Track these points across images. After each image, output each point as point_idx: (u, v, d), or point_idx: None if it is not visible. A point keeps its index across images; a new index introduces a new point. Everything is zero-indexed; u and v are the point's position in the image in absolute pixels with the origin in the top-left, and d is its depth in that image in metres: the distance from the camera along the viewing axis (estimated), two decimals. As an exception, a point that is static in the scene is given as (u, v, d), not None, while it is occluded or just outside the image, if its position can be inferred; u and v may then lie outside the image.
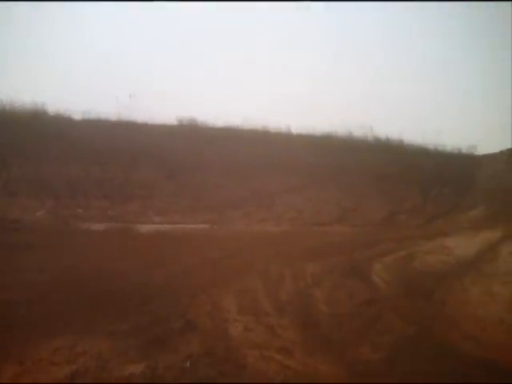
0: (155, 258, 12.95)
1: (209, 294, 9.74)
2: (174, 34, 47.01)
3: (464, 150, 32.24)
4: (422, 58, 48.33)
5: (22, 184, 19.99)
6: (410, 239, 17.31)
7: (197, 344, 7.23)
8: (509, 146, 30.22)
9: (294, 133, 31.95)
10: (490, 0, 40.69)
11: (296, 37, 48.52)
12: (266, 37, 48.56)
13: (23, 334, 7.20)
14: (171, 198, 21.52)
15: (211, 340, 7.46)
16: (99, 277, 10.73)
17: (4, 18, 38.05)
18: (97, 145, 24.04)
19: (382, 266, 13.10)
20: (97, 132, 25.81)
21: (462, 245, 15.93)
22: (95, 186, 21.45)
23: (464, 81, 44.76)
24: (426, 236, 17.85)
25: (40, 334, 7.19)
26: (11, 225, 15.32)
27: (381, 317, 9.16)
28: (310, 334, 8.04)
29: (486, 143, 31.59)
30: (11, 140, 22.39)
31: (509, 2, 37.08)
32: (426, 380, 6.55)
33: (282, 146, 28.04)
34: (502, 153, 30.60)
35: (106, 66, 37.87)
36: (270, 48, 46.30)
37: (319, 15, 49.47)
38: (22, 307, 8.39)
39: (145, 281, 10.58)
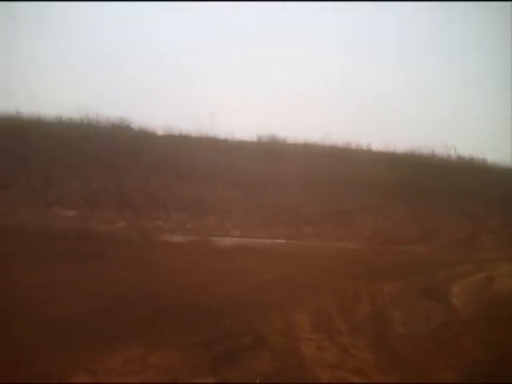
0: (231, 272, 12.95)
1: (282, 311, 9.66)
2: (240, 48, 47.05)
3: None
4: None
5: (103, 196, 20.36)
6: (490, 261, 16.92)
7: (268, 361, 7.18)
8: None
9: (375, 150, 31.78)
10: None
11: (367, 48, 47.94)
12: (333, 49, 48.18)
13: (94, 344, 7.26)
14: (249, 213, 21.56)
15: (283, 358, 7.39)
16: (174, 289, 10.78)
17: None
18: (178, 160, 24.42)
19: (460, 288, 12.82)
20: (178, 147, 26.26)
21: (546, 268, 15.51)
22: (175, 199, 21.68)
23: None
24: (508, 258, 17.43)
25: (111, 344, 7.25)
26: (89, 235, 15.55)
27: (458, 340, 8.95)
28: (385, 356, 7.90)
29: None
30: (94, 152, 22.93)
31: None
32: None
33: (361, 163, 27.90)
34: None
35: (185, 80, 38.43)
36: (344, 62, 45.99)
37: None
38: (93, 317, 8.49)
39: (219, 294, 10.57)
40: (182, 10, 44.50)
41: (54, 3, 35.76)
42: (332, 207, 23.14)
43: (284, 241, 18.83)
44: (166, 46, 42.42)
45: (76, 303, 9.24)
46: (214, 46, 46.15)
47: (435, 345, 8.66)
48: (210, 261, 14.36)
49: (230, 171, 24.45)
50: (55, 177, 21.21)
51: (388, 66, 45.24)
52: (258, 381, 6.54)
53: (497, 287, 13.43)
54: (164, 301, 9.84)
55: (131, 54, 40.02)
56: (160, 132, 28.87)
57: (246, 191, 23.45)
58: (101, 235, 16.05)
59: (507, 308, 11.25)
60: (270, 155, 27.43)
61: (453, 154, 31.37)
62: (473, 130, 36.41)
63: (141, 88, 36.75)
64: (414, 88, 43.36)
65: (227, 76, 43.51)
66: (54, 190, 20.26)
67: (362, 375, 7.02)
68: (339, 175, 25.65)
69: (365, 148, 31.78)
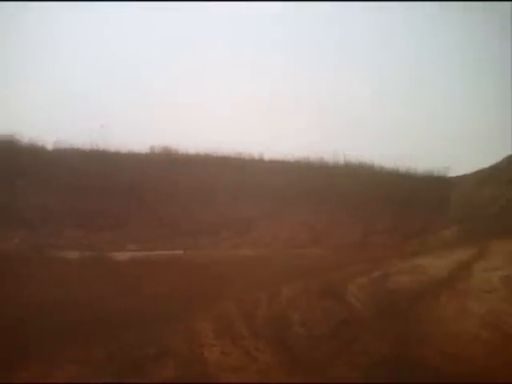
0: (130, 285, 12.85)
1: (184, 320, 9.67)
2: (138, 56, 46.80)
3: (436, 173, 32.48)
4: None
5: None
6: (383, 260, 17.34)
7: (172, 369, 7.18)
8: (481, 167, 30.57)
9: (267, 159, 32.09)
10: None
11: (262, 53, 48.45)
12: (229, 55, 48.55)
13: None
14: (144, 226, 21.44)
15: (187, 365, 7.41)
16: (73, 305, 10.60)
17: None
18: (69, 174, 23.96)
19: (356, 287, 13.08)
20: (69, 161, 25.75)
21: (436, 264, 15.92)
22: (68, 214, 21.32)
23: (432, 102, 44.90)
24: (400, 256, 17.90)
25: (15, 362, 7.09)
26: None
27: (357, 337, 9.15)
28: (286, 356, 8.01)
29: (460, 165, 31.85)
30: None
31: (509, 2, 37.34)
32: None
33: (254, 172, 28.11)
34: (474, 174, 30.88)
35: (75, 94, 37.81)
36: (238, 68, 46.30)
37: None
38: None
39: (119, 308, 10.47)
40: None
41: None
42: (228, 216, 23.25)
43: (181, 252, 18.80)
44: (56, 57, 41.79)
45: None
46: (105, 56, 45.75)
47: (335, 343, 8.82)
48: (107, 275, 14.17)
49: (124, 184, 24.19)
50: None
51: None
52: None
53: (391, 284, 13.76)
54: (64, 317, 9.66)
55: (19, 64, 39.05)
56: (50, 146, 28.23)
57: (141, 203, 23.29)
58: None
59: (403, 304, 11.53)
60: (164, 166, 27.31)
61: (341, 159, 32.05)
62: (362, 136, 37.45)
63: (30, 102, 35.98)
64: (307, 97, 44.07)
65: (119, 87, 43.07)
66: None
67: (266, 377, 7.10)
68: (234, 184, 25.77)
69: (257, 157, 32.03)
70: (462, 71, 46.65)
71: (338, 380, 7.18)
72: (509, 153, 29.06)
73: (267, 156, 32.06)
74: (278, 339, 8.84)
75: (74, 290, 12.05)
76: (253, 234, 22.04)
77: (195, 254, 18.55)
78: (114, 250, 18.39)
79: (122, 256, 17.46)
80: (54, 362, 7.23)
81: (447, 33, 47.17)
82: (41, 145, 27.72)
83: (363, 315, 10.80)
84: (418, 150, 33.90)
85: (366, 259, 17.42)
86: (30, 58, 40.82)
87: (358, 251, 20.22)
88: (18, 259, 15.19)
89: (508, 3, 37.70)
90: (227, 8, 46.05)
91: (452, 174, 32.36)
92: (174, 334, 8.85)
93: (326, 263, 16.88)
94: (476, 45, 45.98)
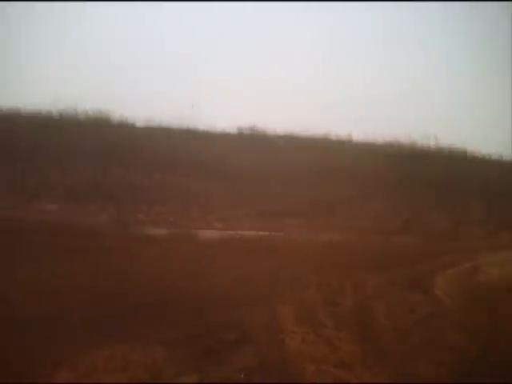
0: (214, 266, 12.84)
1: (266, 305, 9.57)
2: (224, 37, 46.92)
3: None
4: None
5: (84, 189, 20.20)
6: (474, 251, 16.95)
7: (252, 356, 7.08)
8: None
9: (355, 140, 31.74)
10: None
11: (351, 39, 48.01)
12: (313, 43, 48.18)
13: (76, 340, 7.13)
14: (231, 206, 21.47)
15: (267, 352, 7.31)
16: (157, 283, 10.66)
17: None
18: (158, 152, 24.25)
19: (444, 279, 12.82)
20: (159, 139, 26.11)
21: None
22: (157, 192, 21.56)
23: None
24: (491, 248, 17.47)
25: (94, 341, 7.12)
26: (71, 229, 15.39)
27: (442, 332, 8.91)
28: (369, 348, 7.84)
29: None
30: (73, 146, 22.74)
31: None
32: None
33: (342, 154, 27.86)
34: None
35: (166, 70, 38.28)
36: (325, 53, 45.86)
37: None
38: (75, 313, 8.35)
39: (202, 288, 10.47)
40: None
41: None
42: (314, 199, 23.07)
43: (267, 233, 18.74)
44: (144, 37, 42.33)
45: (57, 299, 9.12)
46: (194, 38, 46.07)
47: (419, 337, 8.60)
48: (193, 254, 14.20)
49: (212, 163, 24.33)
50: (35, 170, 21.04)
51: (367, 58, 45.39)
52: (242, 376, 6.45)
53: (481, 277, 13.44)
54: (147, 295, 9.72)
55: (110, 45, 39.60)
56: (140, 124, 28.67)
57: (228, 183, 23.36)
58: (83, 229, 15.89)
59: (491, 298, 11.23)
60: (251, 147, 27.36)
61: (432, 143, 31.41)
62: (454, 120, 36.62)
63: (120, 80, 36.48)
64: (393, 78, 43.38)
65: (209, 68, 43.32)
66: (33, 183, 20.10)
67: (346, 368, 6.96)
68: (320, 167, 25.55)
69: (345, 139, 31.70)
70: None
71: (419, 376, 6.95)
72: None
73: (355, 137, 31.78)
74: (361, 330, 8.67)
75: (160, 267, 12.14)
76: (338, 217, 21.78)
77: (280, 236, 18.46)
78: (200, 227, 18.47)
79: (208, 234, 17.53)
80: (133, 342, 7.23)
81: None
82: (131, 122, 28.23)
83: (450, 309, 10.54)
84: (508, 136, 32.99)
85: (455, 250, 17.05)
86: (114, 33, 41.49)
87: (448, 241, 19.80)
88: (105, 235, 15.41)
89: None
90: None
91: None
92: (256, 318, 8.77)
93: (414, 253, 16.55)
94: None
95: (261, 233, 18.60)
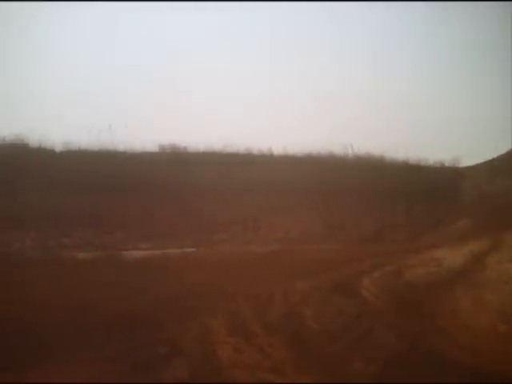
0: (141, 285, 12.76)
1: (196, 318, 9.58)
2: (146, 58, 46.84)
3: (447, 164, 32.43)
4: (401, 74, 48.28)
5: (5, 216, 19.83)
6: (397, 253, 17.29)
7: (184, 369, 7.07)
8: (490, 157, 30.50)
9: (276, 154, 32.06)
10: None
11: (274, 54, 48.53)
12: (242, 57, 48.62)
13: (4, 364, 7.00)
14: (155, 224, 21.41)
15: (199, 364, 7.31)
16: (84, 305, 10.52)
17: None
18: (78, 175, 24.00)
19: (370, 281, 13.05)
20: (78, 162, 25.82)
21: (450, 256, 15.91)
22: (79, 215, 21.33)
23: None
24: (414, 249, 17.85)
25: (23, 364, 7.01)
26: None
27: (371, 331, 9.06)
28: (301, 352, 7.91)
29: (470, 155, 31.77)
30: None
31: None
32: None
33: (264, 168, 28.08)
34: (484, 164, 30.77)
35: (81, 94, 37.98)
36: (244, 69, 46.27)
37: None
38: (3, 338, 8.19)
39: (131, 307, 10.39)
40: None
41: None
42: (239, 213, 23.21)
43: (194, 249, 18.73)
44: (61, 57, 41.89)
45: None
46: (110, 56, 45.84)
47: (349, 338, 8.72)
48: (119, 275, 14.09)
49: (133, 183, 24.21)
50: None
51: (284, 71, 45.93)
52: None
53: (406, 277, 13.72)
54: (75, 317, 9.58)
55: (24, 65, 39.16)
56: (58, 148, 28.32)
57: (150, 202, 23.28)
58: (6, 255, 15.62)
59: (416, 296, 11.48)
60: (173, 164, 27.35)
61: (351, 153, 32.05)
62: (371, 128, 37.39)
63: (37, 103, 36.02)
64: (309, 90, 43.99)
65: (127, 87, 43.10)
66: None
67: (279, 373, 6.99)
68: (244, 180, 25.74)
69: (266, 152, 32.01)
70: (470, 62, 46.64)
71: (353, 375, 7.05)
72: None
73: (276, 151, 32.12)
74: (291, 335, 8.75)
75: (85, 290, 11.98)
76: (264, 229, 21.99)
77: (206, 251, 18.49)
78: (125, 249, 18.35)
79: (132, 255, 17.42)
80: (64, 362, 7.14)
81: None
82: (49, 146, 27.87)
83: (377, 309, 10.75)
84: (427, 141, 33.96)
85: (379, 253, 17.38)
86: (34, 58, 40.97)
87: (372, 245, 20.17)
88: (29, 260, 15.16)
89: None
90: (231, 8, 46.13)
91: (462, 164, 32.35)
92: (186, 332, 8.76)
93: (339, 258, 16.84)
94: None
95: (186, 250, 18.58)
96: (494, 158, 30.14)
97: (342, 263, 15.51)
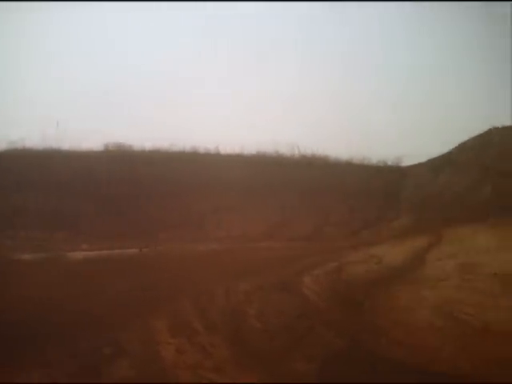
0: (84, 286, 12.70)
1: (140, 319, 9.61)
2: (92, 53, 46.37)
3: (389, 163, 32.92)
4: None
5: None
6: (337, 251, 17.49)
7: (128, 369, 7.13)
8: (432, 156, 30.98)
9: (223, 152, 32.18)
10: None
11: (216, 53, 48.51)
12: (187, 52, 48.49)
13: None
14: (99, 224, 21.27)
15: (143, 364, 7.37)
16: (27, 307, 10.43)
17: None
18: (21, 175, 23.70)
19: (311, 279, 13.21)
20: (21, 162, 25.47)
21: (390, 253, 16.16)
22: (23, 216, 21.09)
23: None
24: (354, 247, 18.07)
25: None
26: None
27: (312, 329, 9.20)
28: (242, 351, 8.02)
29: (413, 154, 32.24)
30: None
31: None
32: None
33: (210, 167, 28.13)
34: (427, 162, 31.21)
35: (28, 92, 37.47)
36: (192, 65, 46.19)
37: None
38: None
39: (74, 309, 10.35)
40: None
41: None
42: (184, 211, 23.21)
43: (137, 250, 18.67)
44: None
45: None
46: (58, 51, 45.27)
47: (290, 336, 8.86)
48: (61, 277, 13.98)
49: (79, 182, 24.01)
50: None
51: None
52: None
53: (346, 275, 13.89)
54: (18, 319, 9.50)
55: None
56: (3, 146, 27.96)
57: (95, 202, 23.13)
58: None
59: (358, 294, 11.64)
60: (119, 163, 27.19)
61: (296, 152, 32.39)
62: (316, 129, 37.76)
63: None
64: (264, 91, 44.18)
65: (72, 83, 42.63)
66: None
67: (220, 372, 7.10)
68: (189, 179, 25.74)
69: (213, 151, 32.11)
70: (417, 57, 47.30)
71: (294, 374, 7.18)
72: (461, 140, 29.47)
73: (223, 150, 32.25)
74: (233, 334, 8.86)
75: (28, 291, 11.87)
76: (206, 229, 22.04)
77: (151, 251, 18.45)
78: (69, 250, 18.19)
79: (76, 256, 17.28)
80: (10, 365, 7.13)
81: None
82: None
83: (318, 307, 10.90)
84: (371, 140, 34.45)
85: (320, 251, 17.58)
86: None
87: (313, 243, 20.36)
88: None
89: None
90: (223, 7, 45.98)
91: (405, 163, 32.84)
92: (130, 333, 8.80)
93: (281, 256, 16.97)
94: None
95: (130, 250, 18.52)
96: (436, 157, 30.64)
97: (284, 262, 15.65)
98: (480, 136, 28.89)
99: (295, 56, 47.92)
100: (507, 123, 28.08)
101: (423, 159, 31.67)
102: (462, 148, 29.21)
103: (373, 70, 48.23)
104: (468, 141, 29.41)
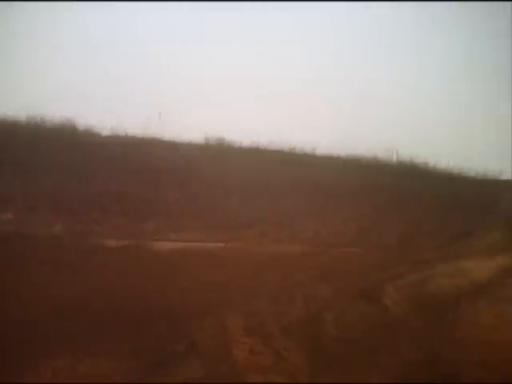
0: (168, 277, 12.82)
1: (215, 316, 9.62)
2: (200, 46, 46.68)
3: (489, 175, 32.19)
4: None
5: (41, 198, 20.03)
6: (425, 262, 17.15)
7: (199, 367, 7.14)
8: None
9: (319, 154, 32.14)
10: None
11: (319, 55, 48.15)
12: (286, 52, 48.30)
13: (24, 353, 7.14)
14: (189, 217, 21.45)
15: (214, 363, 7.37)
16: (108, 295, 10.62)
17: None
18: (118, 161, 24.19)
19: (394, 289, 12.99)
20: (121, 149, 26.03)
21: (478, 268, 15.74)
22: (114, 202, 21.45)
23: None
24: (442, 259, 17.70)
25: (41, 353, 7.12)
26: (27, 239, 15.29)
27: (390, 341, 9.05)
28: (317, 358, 7.94)
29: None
30: (33, 154, 22.61)
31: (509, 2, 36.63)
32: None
33: (305, 168, 28.08)
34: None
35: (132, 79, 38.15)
36: (295, 65, 46.02)
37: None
38: (25, 325, 8.32)
39: (154, 300, 10.46)
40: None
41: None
42: (273, 211, 23.19)
43: (223, 244, 18.75)
44: (110, 44, 42.03)
45: (11, 312, 9.07)
46: (163, 44, 45.83)
47: (367, 346, 8.73)
48: (148, 266, 14.17)
49: (175, 173, 24.33)
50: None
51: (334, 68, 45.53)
52: None
53: (430, 288, 13.62)
54: (98, 307, 9.67)
55: (74, 52, 39.42)
56: (106, 132, 28.63)
57: (188, 194, 23.36)
58: (38, 239, 15.78)
59: (440, 308, 11.40)
60: (214, 157, 27.47)
61: (394, 157, 32.07)
62: (415, 133, 37.13)
63: (86, 88, 36.29)
64: (356, 91, 43.64)
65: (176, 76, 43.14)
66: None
67: (293, 378, 7.05)
68: (282, 179, 25.76)
69: (309, 151, 32.12)
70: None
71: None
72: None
73: (319, 151, 32.19)
74: (309, 340, 8.77)
75: (111, 279, 12.09)
76: (294, 229, 21.90)
77: (235, 247, 18.49)
78: (156, 239, 18.41)
79: (162, 246, 17.47)
80: (81, 353, 7.24)
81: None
82: (96, 131, 28.21)
83: (398, 318, 10.70)
84: (472, 151, 33.69)
85: (406, 261, 17.26)
86: (81, 45, 41.15)
87: (401, 252, 20.02)
88: (58, 246, 15.31)
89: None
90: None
91: (506, 176, 32.04)
92: (204, 329, 8.82)
93: (364, 264, 16.72)
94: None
95: (216, 244, 18.61)
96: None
97: (367, 270, 15.43)
98: None
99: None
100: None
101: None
102: None
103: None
104: None
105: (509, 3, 36.38)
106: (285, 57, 45.67)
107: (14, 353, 7.20)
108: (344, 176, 27.12)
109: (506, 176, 31.98)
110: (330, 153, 31.89)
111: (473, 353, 8.50)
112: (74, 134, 27.26)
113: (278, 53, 45.63)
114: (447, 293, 12.98)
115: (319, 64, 43.87)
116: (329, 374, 7.35)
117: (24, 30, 38.15)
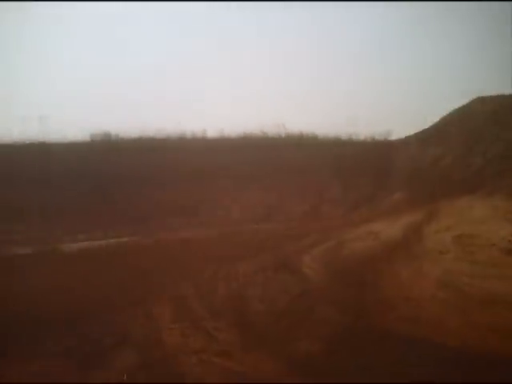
0: (81, 277, 12.57)
1: (141, 307, 9.53)
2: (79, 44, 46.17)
3: (378, 137, 32.87)
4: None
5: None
6: (335, 229, 17.44)
7: (132, 357, 7.05)
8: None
9: (210, 136, 32.12)
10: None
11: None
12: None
13: None
14: (93, 216, 21.18)
15: (147, 351, 7.30)
16: (27, 299, 10.34)
17: None
18: (5, 167, 23.58)
19: (311, 258, 13.17)
20: (6, 156, 25.37)
21: (388, 229, 16.13)
22: (16, 210, 20.95)
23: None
24: (351, 224, 18.04)
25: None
26: None
27: (316, 308, 9.14)
28: (247, 334, 7.95)
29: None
30: None
31: (508, 2, 37.44)
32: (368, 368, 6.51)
33: (198, 151, 28.02)
34: (415, 135, 31.19)
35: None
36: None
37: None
38: None
39: (72, 300, 10.23)
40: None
41: None
42: (177, 198, 23.15)
43: (135, 238, 18.60)
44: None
45: None
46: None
47: (294, 316, 8.80)
48: (59, 268, 13.87)
49: (65, 174, 23.89)
50: None
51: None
52: (124, 377, 6.42)
53: (346, 252, 13.86)
54: (18, 312, 9.40)
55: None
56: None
57: (86, 193, 23.03)
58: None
59: (358, 271, 11.60)
60: (105, 152, 27.11)
61: (283, 131, 32.38)
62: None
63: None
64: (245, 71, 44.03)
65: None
66: None
67: (227, 356, 7.03)
68: (177, 165, 25.73)
69: (200, 135, 32.09)
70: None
71: (302, 352, 7.12)
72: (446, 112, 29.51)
73: (210, 134, 32.20)
74: (237, 317, 8.79)
75: (28, 284, 11.77)
76: (204, 213, 21.97)
77: (147, 238, 18.36)
78: (64, 241, 18.08)
79: (72, 247, 17.17)
80: (13, 357, 7.06)
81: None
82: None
83: (320, 285, 10.83)
84: (358, 115, 34.42)
85: (318, 230, 17.52)
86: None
87: (310, 222, 20.31)
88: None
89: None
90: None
91: (394, 136, 32.86)
92: (131, 320, 8.72)
93: (279, 237, 16.91)
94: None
95: (128, 238, 18.45)
96: (423, 130, 30.63)
97: (283, 242, 15.60)
98: (464, 107, 29.09)
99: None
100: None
101: (411, 132, 31.85)
102: (449, 119, 29.27)
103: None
104: (453, 112, 29.57)
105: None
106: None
107: None
108: (239, 156, 27.26)
109: (394, 136, 32.78)
110: (220, 135, 32.01)
111: (396, 310, 8.67)
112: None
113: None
114: (362, 256, 13.23)
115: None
116: (261, 347, 7.36)
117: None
